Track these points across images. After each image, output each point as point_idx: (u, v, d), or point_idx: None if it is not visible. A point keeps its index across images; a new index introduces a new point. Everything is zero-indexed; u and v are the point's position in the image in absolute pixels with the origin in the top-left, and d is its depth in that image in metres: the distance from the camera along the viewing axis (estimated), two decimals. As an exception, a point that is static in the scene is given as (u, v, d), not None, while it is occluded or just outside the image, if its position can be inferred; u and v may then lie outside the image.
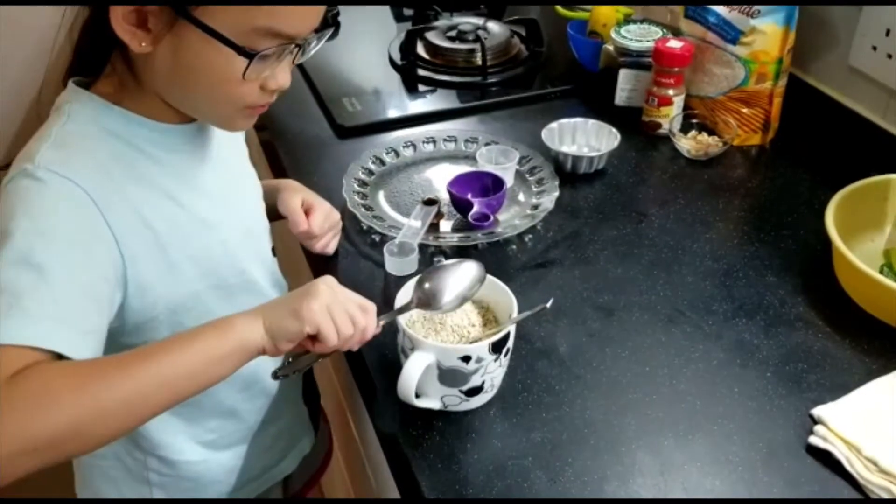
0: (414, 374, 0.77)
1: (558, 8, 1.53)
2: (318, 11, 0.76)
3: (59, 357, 0.66)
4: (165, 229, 0.80)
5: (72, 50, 0.80)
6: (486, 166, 1.13)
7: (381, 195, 1.14)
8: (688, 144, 1.23)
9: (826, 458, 0.77)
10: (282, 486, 1.10)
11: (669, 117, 1.25)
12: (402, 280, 0.89)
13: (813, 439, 0.79)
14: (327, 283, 0.76)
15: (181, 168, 0.83)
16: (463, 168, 1.16)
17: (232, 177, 0.92)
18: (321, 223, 0.99)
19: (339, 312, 0.74)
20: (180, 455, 0.93)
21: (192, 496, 0.97)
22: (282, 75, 0.78)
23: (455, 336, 0.82)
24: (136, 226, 0.77)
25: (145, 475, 0.94)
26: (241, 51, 0.72)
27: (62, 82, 0.81)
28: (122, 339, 0.80)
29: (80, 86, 0.79)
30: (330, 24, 0.79)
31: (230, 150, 0.92)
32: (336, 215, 1.03)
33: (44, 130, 0.77)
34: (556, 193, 1.10)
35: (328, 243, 1.02)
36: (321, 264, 1.03)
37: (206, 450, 0.95)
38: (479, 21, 1.52)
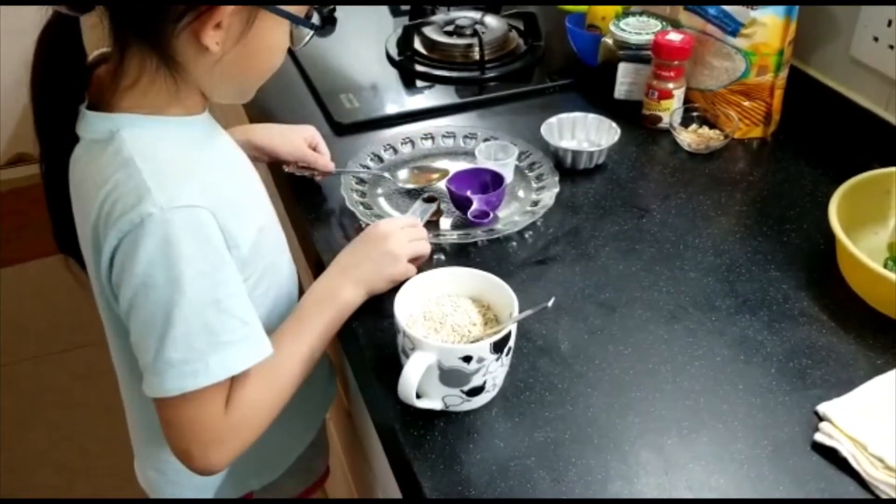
0: (414, 374, 0.76)
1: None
2: None
3: None
4: (244, 210, 0.84)
5: (114, 71, 0.79)
6: (485, 162, 1.12)
7: (379, 192, 1.13)
8: (688, 138, 1.22)
9: (832, 456, 0.77)
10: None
11: (670, 111, 1.24)
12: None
13: (818, 436, 0.78)
14: (385, 227, 0.94)
15: (224, 151, 0.89)
16: (462, 164, 1.15)
17: (237, 149, 0.94)
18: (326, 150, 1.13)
19: (411, 238, 0.94)
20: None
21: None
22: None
23: (456, 335, 0.81)
24: (232, 215, 0.80)
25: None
26: (312, 26, 0.83)
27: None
28: None
29: (91, 108, 0.80)
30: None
31: None
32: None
33: (117, 164, 0.76)
34: (556, 189, 1.09)
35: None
36: (313, 249, 1.03)
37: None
38: (476, 15, 1.51)
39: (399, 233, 0.93)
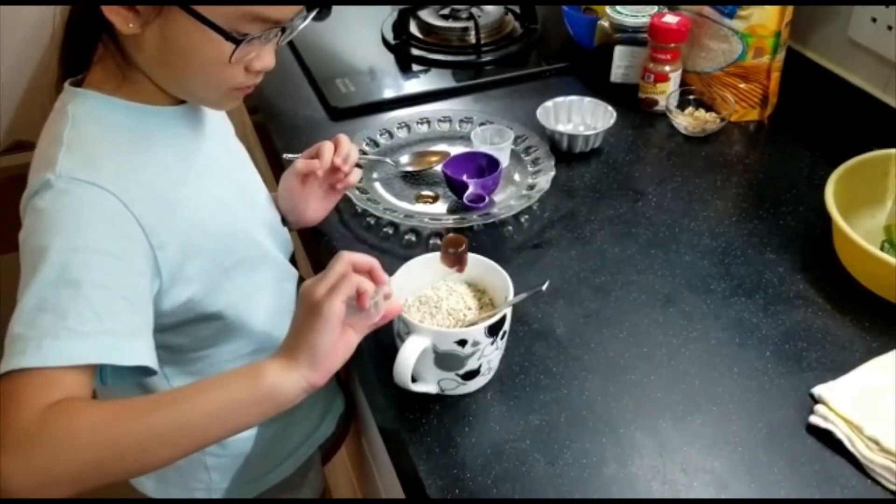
0: (410, 358, 0.76)
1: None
2: None
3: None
4: (186, 212, 0.80)
5: (60, 48, 0.79)
6: (480, 146, 1.11)
7: (375, 177, 1.12)
8: (685, 121, 1.21)
9: (827, 438, 0.77)
10: (318, 450, 1.12)
11: (666, 94, 1.24)
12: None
13: (813, 419, 0.78)
14: (310, 287, 0.71)
15: (187, 149, 0.84)
16: (458, 148, 1.15)
17: (228, 152, 0.93)
18: (348, 149, 0.96)
19: (346, 288, 0.70)
20: None
21: (243, 473, 0.99)
22: (267, 56, 0.78)
23: (451, 319, 0.81)
24: (160, 213, 0.77)
25: (203, 460, 0.95)
26: (228, 36, 0.72)
27: (57, 83, 0.80)
28: (164, 321, 0.81)
29: (75, 85, 0.79)
30: (315, 4, 0.80)
31: (220, 127, 0.93)
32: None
33: (52, 135, 0.76)
34: (552, 173, 1.08)
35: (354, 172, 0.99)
36: (315, 246, 1.03)
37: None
38: (472, -2, 1.50)
39: (328, 286, 0.70)
